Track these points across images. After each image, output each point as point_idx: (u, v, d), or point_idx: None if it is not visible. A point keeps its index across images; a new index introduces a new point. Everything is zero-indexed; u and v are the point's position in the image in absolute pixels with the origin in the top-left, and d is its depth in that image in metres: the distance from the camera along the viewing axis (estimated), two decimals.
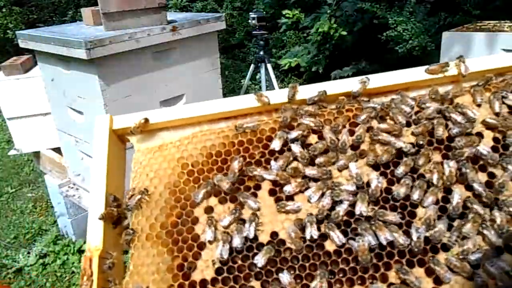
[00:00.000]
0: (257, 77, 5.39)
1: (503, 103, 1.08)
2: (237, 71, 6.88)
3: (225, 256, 0.98)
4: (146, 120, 1.12)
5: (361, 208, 0.98)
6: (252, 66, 4.61)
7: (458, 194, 0.97)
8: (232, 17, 7.05)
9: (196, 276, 0.99)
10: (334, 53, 5.52)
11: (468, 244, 0.93)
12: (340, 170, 1.05)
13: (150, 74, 2.23)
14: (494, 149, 1.04)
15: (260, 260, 0.96)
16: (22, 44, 2.42)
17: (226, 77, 6.57)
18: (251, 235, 0.99)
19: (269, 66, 4.48)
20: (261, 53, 4.50)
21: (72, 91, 2.27)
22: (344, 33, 4.99)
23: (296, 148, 1.06)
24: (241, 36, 7.15)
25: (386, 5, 4.76)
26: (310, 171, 1.04)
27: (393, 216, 0.97)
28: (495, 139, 1.05)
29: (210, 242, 1.01)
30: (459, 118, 1.06)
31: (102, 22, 2.13)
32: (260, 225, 1.01)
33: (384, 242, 0.95)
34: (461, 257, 0.92)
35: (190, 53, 2.40)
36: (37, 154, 3.39)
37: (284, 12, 5.56)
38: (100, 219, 1.00)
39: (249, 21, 4.57)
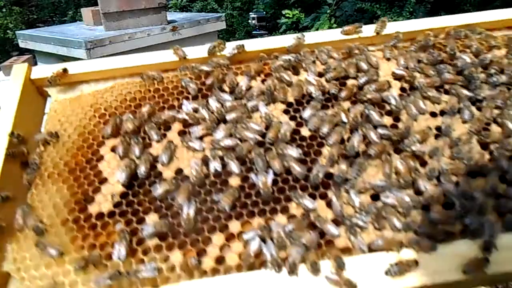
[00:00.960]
0: None
1: (409, 57, 1.17)
2: None
3: (122, 180, 0.96)
4: (65, 70, 1.11)
5: (269, 135, 1.01)
6: None
7: (358, 136, 1.01)
8: (232, 17, 7.04)
9: (93, 208, 0.96)
10: None
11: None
12: (252, 111, 1.07)
13: None
14: (401, 97, 1.10)
15: (158, 189, 0.95)
16: (22, 44, 2.42)
17: None
18: (165, 161, 0.99)
19: None
20: None
21: None
22: None
23: (213, 103, 1.07)
24: (241, 36, 7.15)
25: (386, 5, 4.76)
26: (230, 115, 1.05)
27: (292, 150, 0.98)
28: (402, 89, 1.13)
29: (138, 158, 1.00)
30: (365, 65, 1.14)
31: (102, 22, 2.13)
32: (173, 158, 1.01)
33: (278, 172, 0.96)
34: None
35: None
36: None
37: (284, 12, 5.56)
38: (8, 154, 0.98)
39: (249, 21, 4.57)
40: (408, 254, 0.84)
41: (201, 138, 1.04)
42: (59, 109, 1.12)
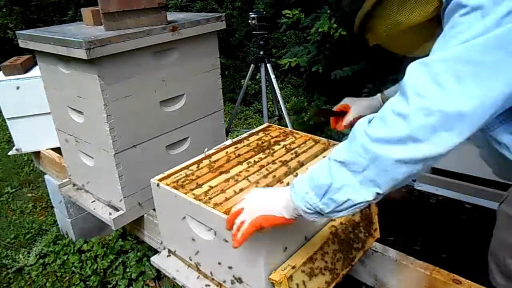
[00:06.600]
0: (257, 77, 5.38)
1: None
2: (237, 71, 6.87)
3: None
4: None
5: None
6: (252, 66, 4.60)
7: None
8: (232, 17, 7.04)
9: None
10: (334, 53, 5.52)
11: None
12: None
13: (150, 74, 2.23)
14: None
15: None
16: (22, 44, 2.42)
17: (226, 77, 6.56)
18: None
19: (269, 66, 4.48)
20: (261, 53, 4.50)
21: (72, 91, 2.27)
22: (344, 33, 4.98)
23: None
24: (241, 36, 7.15)
25: None
26: None
27: None
28: None
29: None
30: None
31: (102, 22, 2.13)
32: None
33: None
34: None
35: (190, 53, 2.40)
36: (37, 154, 3.39)
37: (284, 12, 5.55)
38: None
39: (249, 21, 4.56)
40: None
41: None
42: None
